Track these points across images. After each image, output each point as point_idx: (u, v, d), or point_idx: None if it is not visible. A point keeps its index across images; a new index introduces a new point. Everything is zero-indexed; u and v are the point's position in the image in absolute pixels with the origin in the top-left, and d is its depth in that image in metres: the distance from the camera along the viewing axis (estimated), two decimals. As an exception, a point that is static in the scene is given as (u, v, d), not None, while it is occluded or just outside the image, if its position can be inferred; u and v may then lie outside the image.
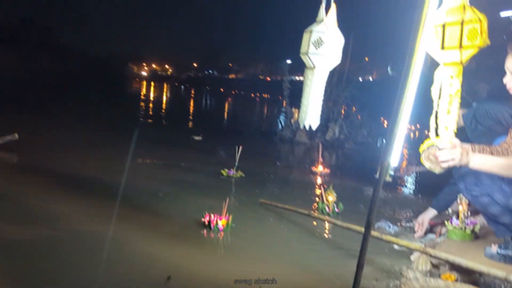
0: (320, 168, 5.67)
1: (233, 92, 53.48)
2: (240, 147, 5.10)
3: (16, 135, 4.98)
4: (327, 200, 3.77)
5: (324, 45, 1.71)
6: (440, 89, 1.78)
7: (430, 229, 3.46)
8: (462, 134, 3.21)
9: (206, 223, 3.07)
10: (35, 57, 43.27)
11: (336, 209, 3.77)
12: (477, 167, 2.03)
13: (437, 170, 1.99)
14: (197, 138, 8.03)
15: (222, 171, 5.00)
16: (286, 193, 4.54)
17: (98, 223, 2.98)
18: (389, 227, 3.57)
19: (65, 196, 3.58)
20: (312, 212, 3.62)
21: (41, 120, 8.13)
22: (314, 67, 1.74)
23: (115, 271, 2.31)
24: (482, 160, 2.02)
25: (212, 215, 3.08)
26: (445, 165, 1.96)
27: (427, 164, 1.99)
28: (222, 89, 57.86)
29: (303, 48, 1.77)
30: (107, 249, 2.56)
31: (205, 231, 3.08)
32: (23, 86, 17.08)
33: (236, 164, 5.01)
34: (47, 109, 10.40)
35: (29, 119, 7.87)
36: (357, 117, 10.15)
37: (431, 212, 3.33)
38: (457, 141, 2.03)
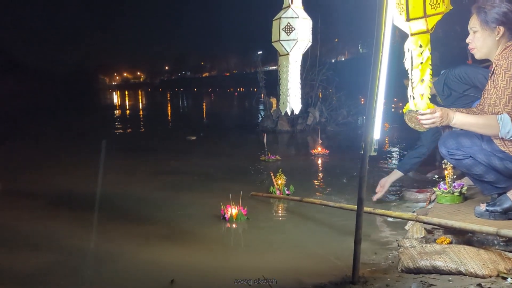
0: (319, 150, 6.10)
1: (208, 90, 53.34)
2: (265, 135, 6.01)
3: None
4: (277, 184, 3.86)
5: (295, 30, 1.72)
6: (412, 59, 1.82)
7: (417, 197, 3.57)
8: (435, 102, 3.28)
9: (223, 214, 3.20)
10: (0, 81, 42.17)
11: (286, 192, 3.85)
12: (458, 125, 2.14)
13: (421, 129, 2.13)
14: (192, 138, 8.23)
15: (261, 158, 5.69)
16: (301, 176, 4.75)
17: (94, 238, 2.95)
18: (386, 197, 3.70)
19: (55, 215, 3.51)
20: (302, 198, 3.65)
21: (14, 144, 7.95)
22: (288, 53, 1.76)
23: (117, 281, 2.30)
24: (462, 119, 2.12)
25: (233, 207, 3.19)
26: (427, 127, 2.08)
27: (411, 125, 2.13)
28: (195, 89, 57.75)
29: (274, 37, 1.78)
30: (106, 261, 2.55)
31: (210, 225, 3.13)
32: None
33: (266, 149, 5.75)
34: (18, 132, 10.17)
35: (1, 145, 7.69)
36: (335, 98, 10.25)
37: (395, 175, 3.51)
38: (435, 107, 2.09)
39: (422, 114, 2.00)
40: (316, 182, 4.58)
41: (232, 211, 3.18)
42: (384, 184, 3.49)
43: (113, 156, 6.42)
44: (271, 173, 3.91)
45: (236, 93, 41.76)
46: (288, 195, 3.82)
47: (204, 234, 3.03)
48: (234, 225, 3.15)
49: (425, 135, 3.43)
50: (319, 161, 5.81)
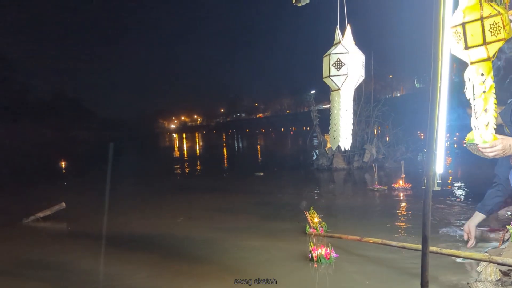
0: (401, 183, 6.25)
1: (262, 130, 54.34)
2: (375, 166, 6.90)
3: (64, 204, 5.17)
4: (313, 222, 3.77)
5: (344, 66, 1.72)
6: (473, 89, 1.73)
7: (489, 236, 3.31)
8: (502, 133, 3.08)
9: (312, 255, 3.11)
10: (69, 129, 45.74)
11: (320, 230, 3.76)
12: None
13: (486, 157, 2.06)
14: (260, 174, 8.82)
15: (370, 186, 6.33)
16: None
17: (159, 281, 2.99)
18: (454, 232, 3.51)
19: (123, 257, 3.57)
20: (362, 237, 3.50)
21: (84, 187, 8.39)
22: (339, 88, 1.74)
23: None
24: None
25: (319, 248, 3.11)
26: (491, 157, 2.02)
27: (476, 153, 2.07)
28: (247, 130, 59.14)
29: (325, 72, 1.78)
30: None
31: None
32: (63, 156, 17.85)
33: (376, 177, 6.51)
34: (88, 175, 10.76)
35: (74, 187, 8.16)
36: (391, 134, 9.99)
37: (477, 217, 3.19)
38: (498, 138, 1.99)
39: (483, 148, 1.92)
40: (400, 218, 4.48)
41: (317, 252, 3.08)
42: (470, 229, 3.19)
43: (174, 195, 6.60)
44: (305, 212, 3.86)
45: (292, 132, 42.17)
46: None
47: (280, 275, 2.93)
48: (314, 266, 3.05)
49: (500, 171, 3.17)
50: (401, 195, 5.78)
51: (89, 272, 3.21)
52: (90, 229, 4.61)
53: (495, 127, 1.73)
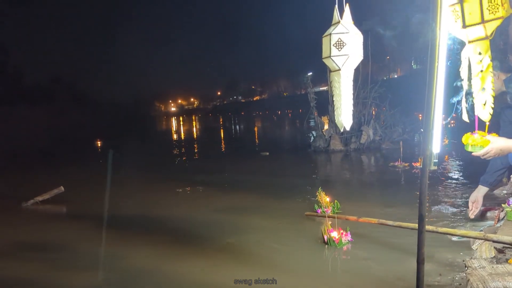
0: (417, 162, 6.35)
1: (258, 113, 54.27)
2: (401, 143, 7.18)
3: (62, 188, 5.19)
4: (324, 201, 3.82)
5: (346, 46, 1.71)
6: (469, 68, 1.74)
7: (484, 214, 3.36)
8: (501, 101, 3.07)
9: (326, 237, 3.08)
10: (66, 113, 45.59)
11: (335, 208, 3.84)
12: None
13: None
14: (265, 153, 9.16)
15: (392, 163, 6.53)
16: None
17: (164, 260, 3.01)
18: (447, 209, 3.57)
19: (123, 238, 3.61)
20: (359, 217, 3.53)
21: (82, 170, 8.39)
22: (339, 68, 1.74)
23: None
24: None
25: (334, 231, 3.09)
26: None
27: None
28: (242, 112, 59.02)
29: (325, 53, 1.77)
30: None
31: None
32: (59, 141, 17.82)
33: (401, 155, 6.58)
34: (86, 159, 10.75)
35: (71, 171, 8.15)
36: (388, 116, 9.99)
37: (482, 189, 3.25)
38: (490, 144, 2.09)
39: (477, 155, 2.06)
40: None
41: (331, 234, 3.06)
42: (477, 199, 3.24)
43: (177, 177, 6.62)
44: (317, 193, 3.91)
45: (289, 114, 42.20)
46: (336, 212, 3.76)
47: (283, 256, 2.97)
48: (326, 248, 3.05)
49: None
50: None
51: (87, 253, 3.26)
52: (89, 212, 4.64)
53: (493, 106, 1.74)
